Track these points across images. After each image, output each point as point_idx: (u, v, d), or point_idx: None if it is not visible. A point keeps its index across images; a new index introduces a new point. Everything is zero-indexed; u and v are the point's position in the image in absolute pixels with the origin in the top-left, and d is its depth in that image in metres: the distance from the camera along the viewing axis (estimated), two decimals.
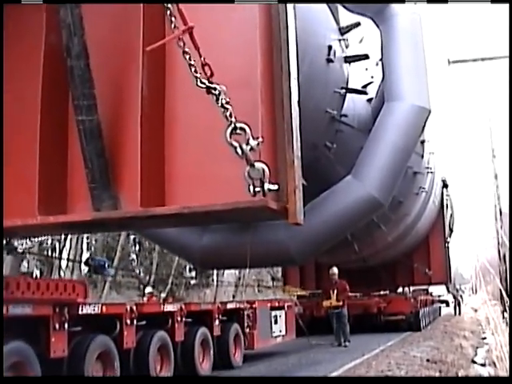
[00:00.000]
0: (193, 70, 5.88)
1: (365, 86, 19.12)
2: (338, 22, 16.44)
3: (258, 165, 6.01)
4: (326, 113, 15.78)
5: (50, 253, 45.65)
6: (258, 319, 15.13)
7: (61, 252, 44.63)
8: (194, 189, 6.71)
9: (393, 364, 13.42)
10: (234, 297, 44.16)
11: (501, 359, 12.90)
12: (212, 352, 13.19)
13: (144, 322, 11.10)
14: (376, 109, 17.47)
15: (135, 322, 10.71)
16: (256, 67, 6.55)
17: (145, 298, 21.10)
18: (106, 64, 7.03)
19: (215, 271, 47.23)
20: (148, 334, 11.18)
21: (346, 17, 17.14)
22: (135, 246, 46.83)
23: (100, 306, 9.96)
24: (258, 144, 6.00)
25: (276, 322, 16.48)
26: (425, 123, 17.11)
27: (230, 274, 50.47)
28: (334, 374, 12.65)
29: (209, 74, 5.92)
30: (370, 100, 19.16)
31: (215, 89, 5.93)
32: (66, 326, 9.20)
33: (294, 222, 6.45)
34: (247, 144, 5.95)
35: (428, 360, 13.86)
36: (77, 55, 6.69)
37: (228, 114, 5.92)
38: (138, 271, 46.13)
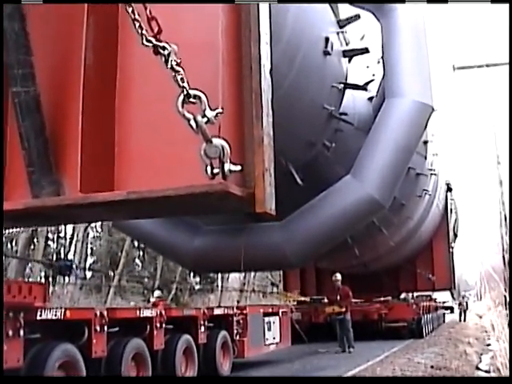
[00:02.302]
0: (137, 25, 4.70)
1: (366, 85, 17.92)
2: (336, 15, 15.29)
3: (217, 141, 4.84)
4: (323, 109, 14.68)
5: (55, 257, 45.01)
6: (249, 326, 13.89)
7: (66, 257, 43.95)
8: (149, 172, 5.50)
9: (397, 370, 12.92)
10: (238, 302, 43.11)
11: (505, 366, 12.22)
12: (196, 361, 11.93)
13: (117, 329, 9.86)
14: (377, 107, 16.50)
15: (106, 328, 9.46)
16: (217, 27, 5.35)
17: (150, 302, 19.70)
18: (46, 27, 5.83)
19: (219, 277, 46.47)
20: (121, 341, 9.92)
21: (346, 10, 16.03)
22: (140, 251, 45.92)
23: (63, 310, 8.71)
24: (217, 115, 4.83)
25: (269, 329, 15.22)
26: (427, 121, 16.05)
27: (234, 280, 49.69)
28: None
29: (156, 30, 4.73)
30: (371, 98, 18.12)
31: (164, 48, 4.73)
32: (22, 332, 7.97)
33: (261, 211, 5.23)
34: (203, 116, 4.78)
35: (432, 366, 13.36)
36: (10, 16, 5.51)
37: (179, 78, 4.73)
38: (142, 276, 45.32)
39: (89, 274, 44.26)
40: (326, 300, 21.82)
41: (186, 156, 5.23)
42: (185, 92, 4.76)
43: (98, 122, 5.68)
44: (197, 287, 47.85)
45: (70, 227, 43.50)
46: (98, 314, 9.36)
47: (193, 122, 4.77)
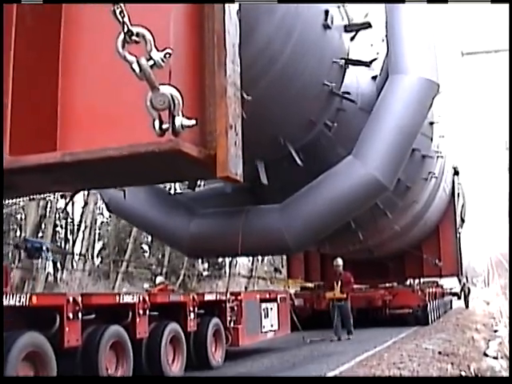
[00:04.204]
0: None
1: (370, 62, 16.87)
2: None
3: (165, 88, 3.87)
4: (323, 86, 13.70)
5: (63, 244, 44.54)
6: (244, 312, 12.85)
7: (74, 243, 43.38)
8: (99, 132, 4.50)
9: (405, 356, 12.48)
10: (246, 288, 42.35)
11: None
12: (185, 350, 10.93)
13: (93, 316, 8.89)
14: (381, 86, 15.68)
15: (80, 315, 8.48)
16: None
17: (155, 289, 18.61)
18: None
19: (227, 263, 45.82)
20: (99, 329, 8.95)
21: None
22: (147, 237, 45.19)
23: (28, 296, 7.73)
24: (165, 57, 3.84)
25: (267, 316, 14.20)
26: (433, 98, 15.03)
27: (242, 266, 49.04)
28: (347, 366, 11.72)
29: None
30: (375, 77, 17.16)
31: None
32: None
33: (223, 175, 4.23)
34: (149, 58, 3.81)
35: (440, 352, 12.98)
36: None
37: (118, 11, 3.77)
38: (150, 263, 44.72)
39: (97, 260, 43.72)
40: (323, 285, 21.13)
41: (137, 112, 4.23)
42: (125, 29, 3.80)
43: (35, 75, 4.70)
44: (205, 273, 47.16)
45: (77, 213, 42.84)
46: (71, 299, 8.37)
47: (136, 66, 3.82)
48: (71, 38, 4.79)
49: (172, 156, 4.06)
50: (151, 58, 3.78)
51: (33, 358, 7.71)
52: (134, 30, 3.78)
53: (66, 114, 4.66)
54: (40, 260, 22.24)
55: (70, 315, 8.33)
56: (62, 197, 15.76)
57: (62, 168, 4.34)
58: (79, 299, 8.52)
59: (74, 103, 4.66)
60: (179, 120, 3.87)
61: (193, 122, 3.92)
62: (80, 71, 4.72)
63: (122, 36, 3.78)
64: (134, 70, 3.79)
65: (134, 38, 3.80)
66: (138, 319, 9.73)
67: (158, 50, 3.81)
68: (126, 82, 4.08)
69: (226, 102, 4.27)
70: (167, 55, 3.83)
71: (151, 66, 3.79)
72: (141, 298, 9.84)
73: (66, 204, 26.58)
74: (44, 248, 12.01)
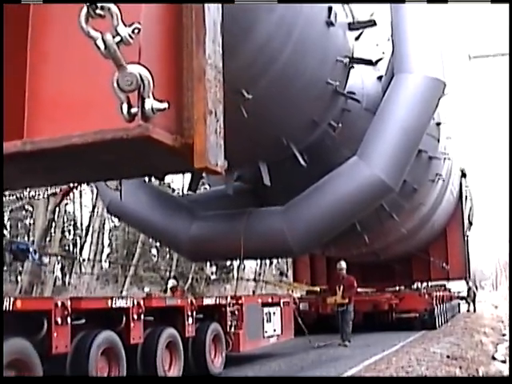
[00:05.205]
0: None
1: (375, 63, 16.41)
2: None
3: (133, 68, 3.39)
4: (326, 84, 13.21)
5: (71, 248, 44.33)
6: (245, 317, 12.32)
7: (82, 247, 43.18)
8: (67, 119, 4.02)
9: (413, 360, 12.23)
10: (253, 292, 41.87)
11: None
12: (182, 356, 10.42)
13: (83, 321, 8.41)
14: (386, 86, 15.14)
15: (69, 320, 8.01)
16: None
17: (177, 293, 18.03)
18: None
19: (235, 267, 45.49)
20: (90, 335, 8.45)
21: None
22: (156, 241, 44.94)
23: (12, 300, 7.25)
24: (134, 32, 3.38)
25: (269, 321, 13.68)
26: (439, 98, 14.56)
27: (250, 270, 48.81)
28: (354, 370, 11.54)
29: None
30: (380, 78, 16.69)
31: None
32: None
33: (201, 166, 3.74)
34: (115, 34, 3.34)
35: (448, 356, 12.71)
36: None
37: None
38: (158, 267, 44.40)
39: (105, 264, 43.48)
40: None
41: (110, 97, 3.74)
42: (88, 1, 3.35)
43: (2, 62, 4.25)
44: (213, 277, 46.80)
45: (86, 217, 42.58)
46: (59, 304, 7.89)
47: (100, 42, 3.34)
48: (40, 22, 4.33)
49: (142, 144, 3.58)
50: (118, 34, 3.32)
51: (17, 365, 7.22)
52: (99, 3, 3.33)
53: (33, 100, 4.19)
54: (26, 262, 21.77)
55: (59, 320, 7.83)
56: (52, 195, 15.23)
57: (26, 158, 3.87)
58: (68, 303, 8.03)
59: (43, 89, 4.20)
60: (149, 103, 3.41)
61: (165, 105, 3.46)
62: (49, 56, 4.25)
63: (85, 9, 3.33)
64: (98, 48, 3.34)
65: (98, 11, 3.34)
66: (132, 324, 9.21)
67: (125, 26, 3.35)
68: (98, 67, 3.62)
69: (204, 84, 3.79)
70: (136, 30, 3.37)
71: (118, 43, 3.33)
72: (135, 302, 9.34)
73: (58, 204, 26.07)
74: (31, 250, 11.56)
